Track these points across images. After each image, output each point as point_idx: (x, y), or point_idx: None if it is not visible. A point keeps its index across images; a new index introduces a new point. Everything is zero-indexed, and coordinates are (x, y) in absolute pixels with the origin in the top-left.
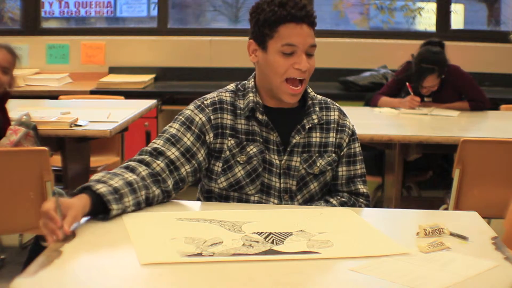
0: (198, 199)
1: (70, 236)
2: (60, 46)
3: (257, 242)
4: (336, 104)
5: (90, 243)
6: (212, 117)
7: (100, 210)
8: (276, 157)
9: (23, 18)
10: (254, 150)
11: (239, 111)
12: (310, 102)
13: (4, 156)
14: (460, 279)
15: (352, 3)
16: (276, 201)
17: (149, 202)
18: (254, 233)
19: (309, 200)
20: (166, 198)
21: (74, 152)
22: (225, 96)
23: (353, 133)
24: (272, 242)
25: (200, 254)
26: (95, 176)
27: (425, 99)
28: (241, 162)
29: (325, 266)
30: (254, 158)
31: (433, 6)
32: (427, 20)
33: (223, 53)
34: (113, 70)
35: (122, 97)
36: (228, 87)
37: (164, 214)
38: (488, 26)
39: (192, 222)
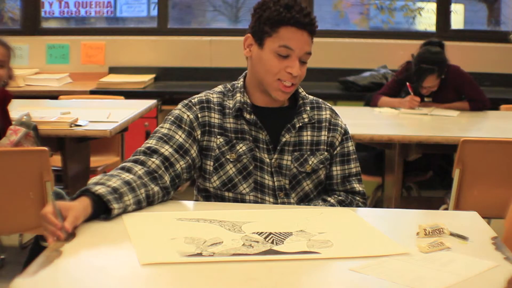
0: (196, 200)
1: (70, 236)
2: (60, 46)
3: (257, 242)
4: (328, 104)
5: (90, 243)
6: (199, 115)
7: (101, 211)
8: (266, 155)
9: (23, 18)
10: (244, 148)
11: (227, 111)
12: (301, 101)
13: (4, 156)
14: (460, 279)
15: (352, 3)
16: (271, 200)
17: (150, 201)
18: (254, 233)
19: (304, 198)
20: (165, 195)
21: (74, 152)
22: (213, 97)
23: (346, 132)
24: (272, 242)
25: (200, 254)
26: (92, 180)
27: (425, 99)
28: (231, 160)
29: (325, 266)
30: (244, 156)
31: (433, 6)
32: (427, 20)
33: (223, 53)
34: (113, 70)
35: (122, 97)
36: (215, 88)
37: (164, 214)
38: (488, 26)
39: (192, 222)
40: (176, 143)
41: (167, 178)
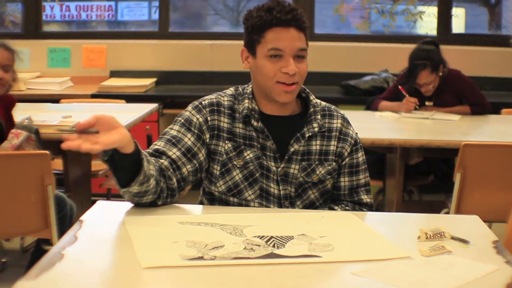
0: (201, 202)
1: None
2: (61, 49)
3: (259, 245)
4: (340, 111)
5: (92, 247)
6: (209, 118)
7: (132, 157)
8: (273, 163)
9: (25, 22)
10: (251, 155)
11: (237, 115)
12: (312, 109)
13: (6, 159)
14: (461, 282)
15: (353, 7)
16: (276, 207)
17: (157, 196)
18: (255, 236)
19: (310, 206)
20: (169, 197)
21: (75, 156)
22: (223, 100)
23: (356, 142)
24: (274, 246)
25: (201, 258)
26: None
27: (426, 103)
28: (238, 166)
29: (327, 269)
30: (250, 163)
31: (434, 10)
32: (428, 24)
33: (224, 57)
34: (114, 73)
35: (123, 101)
36: (227, 91)
37: (165, 218)
38: (489, 30)
39: (194, 226)
40: (185, 146)
41: (174, 180)
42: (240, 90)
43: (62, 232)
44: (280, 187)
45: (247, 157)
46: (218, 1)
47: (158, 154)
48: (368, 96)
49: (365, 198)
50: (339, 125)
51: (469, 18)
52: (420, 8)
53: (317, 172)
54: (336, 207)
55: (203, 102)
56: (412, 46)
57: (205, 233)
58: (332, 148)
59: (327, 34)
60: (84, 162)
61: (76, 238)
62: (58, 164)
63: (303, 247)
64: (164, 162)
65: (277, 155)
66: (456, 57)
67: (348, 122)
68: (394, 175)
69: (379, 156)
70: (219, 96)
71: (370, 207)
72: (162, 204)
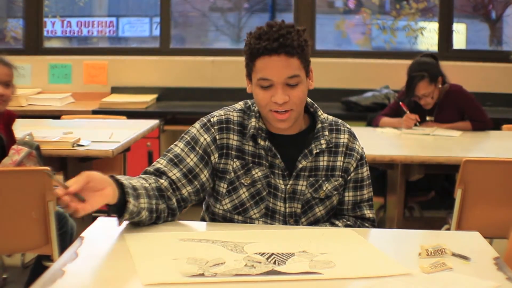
0: (203, 218)
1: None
2: (62, 65)
3: (259, 262)
4: (347, 126)
5: (92, 264)
6: (217, 137)
7: (118, 204)
8: (281, 181)
9: (26, 38)
10: (259, 174)
11: (247, 131)
12: (319, 125)
13: (7, 175)
14: None
15: (354, 23)
16: (281, 225)
17: (158, 215)
18: (256, 253)
19: (314, 223)
20: (170, 216)
21: (76, 172)
22: (233, 116)
23: (361, 157)
24: (274, 263)
25: (202, 275)
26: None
27: (427, 117)
28: (246, 184)
29: (328, 286)
30: (258, 182)
31: (435, 26)
32: (429, 40)
33: (225, 73)
34: (115, 90)
35: (125, 117)
36: (236, 105)
37: (166, 235)
38: (490, 46)
39: (194, 243)
40: (186, 167)
41: (174, 200)
42: (250, 104)
43: (62, 248)
44: (287, 204)
45: (255, 175)
46: (219, 17)
47: (159, 174)
48: (369, 113)
49: (368, 213)
50: (345, 140)
51: (470, 34)
52: (421, 24)
53: (324, 188)
54: (337, 222)
55: (211, 120)
56: None
57: (206, 250)
58: (338, 164)
59: (328, 50)
60: None
61: (77, 255)
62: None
63: (304, 264)
64: (164, 182)
65: (286, 172)
66: (457, 73)
67: (354, 137)
68: (395, 192)
69: (380, 172)
70: (228, 112)
71: (373, 222)
72: (164, 222)
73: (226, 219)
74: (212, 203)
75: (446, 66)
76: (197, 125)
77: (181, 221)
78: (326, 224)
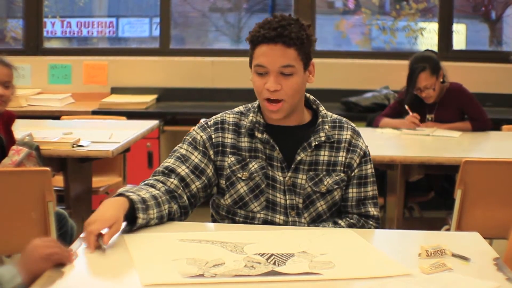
0: (212, 215)
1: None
2: (62, 66)
3: (259, 263)
4: (352, 124)
5: (92, 264)
6: (213, 136)
7: (127, 218)
8: (280, 173)
9: (26, 38)
10: (256, 166)
11: (242, 130)
12: (320, 120)
13: (7, 176)
14: None
15: (354, 24)
16: (282, 217)
17: (171, 217)
18: (256, 254)
19: (317, 219)
20: (183, 215)
21: (76, 173)
22: (228, 117)
23: (365, 154)
24: (274, 263)
25: (202, 275)
26: (122, 189)
27: (427, 116)
28: (244, 178)
29: (328, 287)
30: (255, 174)
31: (435, 26)
32: (429, 41)
33: (225, 74)
34: (115, 90)
35: (124, 118)
36: (235, 109)
37: (166, 235)
38: (490, 46)
39: (194, 243)
40: (192, 164)
41: (185, 198)
42: (250, 106)
43: None
44: (287, 196)
45: (252, 168)
46: (219, 18)
47: (168, 172)
48: (368, 113)
49: (372, 210)
50: (348, 136)
51: (470, 34)
52: (421, 24)
53: (325, 182)
54: (340, 221)
55: (208, 122)
56: None
57: (206, 250)
58: (340, 159)
59: (327, 50)
60: (85, 178)
61: (77, 255)
62: (58, 180)
63: (303, 265)
64: (174, 181)
65: (284, 164)
66: (457, 74)
67: (358, 134)
68: (395, 192)
69: (380, 173)
70: (224, 114)
71: (377, 220)
72: (175, 220)
73: (230, 212)
74: (218, 198)
75: (446, 66)
76: (195, 127)
77: (181, 222)
78: (329, 223)
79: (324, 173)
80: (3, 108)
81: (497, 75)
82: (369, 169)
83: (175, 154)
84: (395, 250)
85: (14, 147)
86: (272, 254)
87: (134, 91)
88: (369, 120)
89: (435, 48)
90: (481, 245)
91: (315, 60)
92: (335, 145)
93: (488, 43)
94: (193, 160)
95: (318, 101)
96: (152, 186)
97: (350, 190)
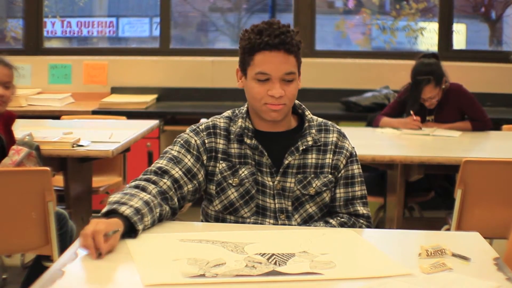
0: (201, 221)
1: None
2: (62, 66)
3: (260, 263)
4: (337, 127)
5: (93, 264)
6: (206, 141)
7: (126, 231)
8: (269, 179)
9: (26, 38)
10: (246, 172)
11: (232, 136)
12: (307, 124)
13: (7, 176)
14: None
15: (354, 24)
16: (272, 221)
17: (161, 219)
18: (257, 254)
19: (308, 220)
20: (172, 215)
21: (76, 173)
22: (219, 122)
23: (352, 155)
24: (275, 263)
25: (203, 275)
26: (112, 199)
27: (427, 117)
28: (234, 184)
29: (328, 287)
30: (246, 180)
31: (435, 26)
32: (429, 40)
33: (225, 74)
34: (115, 90)
35: (124, 117)
36: (224, 113)
37: (166, 236)
38: (490, 46)
39: (195, 243)
40: (185, 167)
41: (176, 200)
42: (237, 112)
43: (62, 249)
44: (276, 200)
45: (242, 174)
46: (219, 18)
47: (161, 172)
48: (368, 113)
49: (362, 209)
50: (334, 139)
51: (470, 34)
52: (421, 24)
53: (314, 184)
54: (331, 220)
55: (200, 127)
56: (413, 63)
57: (207, 250)
58: (327, 161)
59: (328, 50)
60: (85, 178)
61: (77, 255)
62: (58, 180)
63: (304, 265)
64: (167, 182)
65: (273, 169)
66: (457, 73)
67: (344, 136)
68: (395, 192)
69: (380, 173)
70: (215, 119)
71: (368, 219)
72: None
73: (218, 220)
74: (206, 205)
75: (446, 66)
76: (187, 130)
77: (181, 222)
78: (320, 223)
79: (313, 175)
80: (3, 108)
81: (497, 75)
82: (356, 169)
83: (166, 155)
84: (395, 250)
85: (14, 147)
86: (273, 254)
87: (134, 91)
88: (369, 119)
89: (435, 48)
90: (481, 245)
91: (315, 60)
92: (322, 147)
93: (488, 43)
94: (186, 163)
95: (303, 106)
96: (143, 189)
97: (338, 191)
